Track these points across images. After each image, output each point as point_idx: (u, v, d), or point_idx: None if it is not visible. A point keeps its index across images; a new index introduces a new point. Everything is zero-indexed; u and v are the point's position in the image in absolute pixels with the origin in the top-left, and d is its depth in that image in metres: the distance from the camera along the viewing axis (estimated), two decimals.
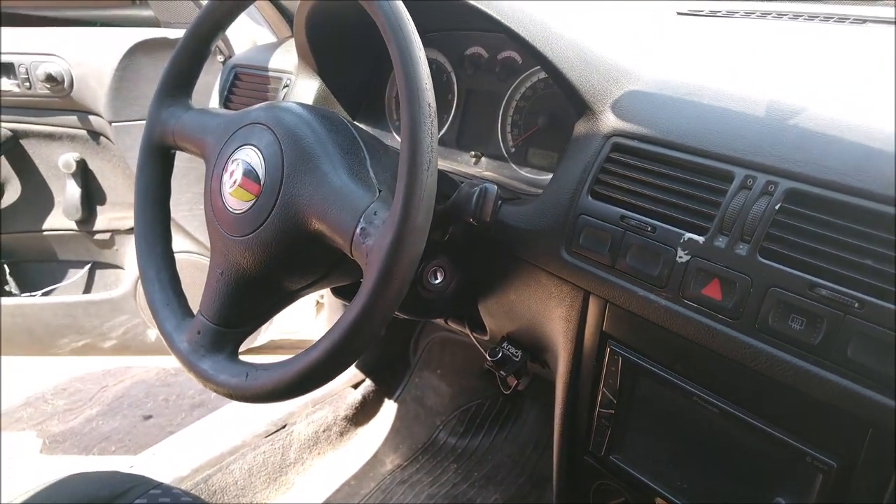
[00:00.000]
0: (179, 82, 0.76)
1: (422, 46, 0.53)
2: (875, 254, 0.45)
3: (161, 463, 1.18)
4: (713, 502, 0.57)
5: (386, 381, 1.46)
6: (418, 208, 0.51)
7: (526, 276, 0.71)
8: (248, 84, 1.04)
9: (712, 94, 0.60)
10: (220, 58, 1.21)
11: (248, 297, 0.67)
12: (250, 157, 0.64)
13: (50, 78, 1.22)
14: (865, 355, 0.45)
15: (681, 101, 0.61)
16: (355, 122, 0.74)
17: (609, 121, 0.64)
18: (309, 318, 1.54)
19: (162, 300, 0.72)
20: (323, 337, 0.57)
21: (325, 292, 1.45)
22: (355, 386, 1.43)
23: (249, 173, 0.63)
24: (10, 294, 1.40)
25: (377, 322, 0.54)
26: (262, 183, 0.62)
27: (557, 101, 0.78)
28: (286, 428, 1.32)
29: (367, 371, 1.45)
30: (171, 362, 1.96)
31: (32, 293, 1.40)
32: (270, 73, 1.00)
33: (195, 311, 0.70)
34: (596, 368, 0.65)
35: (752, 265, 0.51)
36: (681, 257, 0.55)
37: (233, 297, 0.66)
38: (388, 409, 1.45)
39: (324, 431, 1.36)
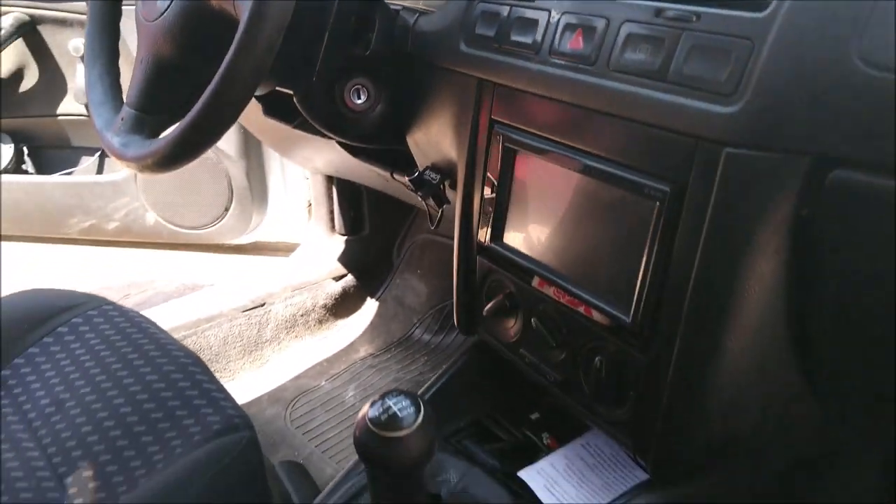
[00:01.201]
0: None
1: None
2: None
3: None
4: (585, 271, 0.58)
5: (368, 280, 1.50)
6: None
7: (437, 85, 0.74)
8: None
9: None
10: None
11: (165, 84, 0.71)
12: None
13: None
14: (698, 66, 0.46)
15: None
16: None
17: None
18: (301, 222, 1.59)
19: (100, 99, 0.78)
20: (207, 93, 0.61)
21: (312, 194, 1.50)
22: (337, 278, 1.48)
23: None
24: (25, 173, 1.50)
25: (242, 82, 0.57)
26: None
27: None
28: (265, 306, 1.38)
29: (350, 267, 1.49)
30: (191, 278, 2.06)
31: (49, 174, 1.50)
32: None
33: None
34: (483, 158, 0.67)
35: (611, 6, 0.52)
36: (553, 17, 0.57)
37: (151, 83, 0.71)
38: (368, 305, 1.49)
39: (301, 315, 1.41)
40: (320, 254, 1.50)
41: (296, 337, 1.41)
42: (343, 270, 1.49)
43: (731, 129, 0.44)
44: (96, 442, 0.72)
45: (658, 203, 0.49)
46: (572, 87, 0.55)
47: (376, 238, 1.52)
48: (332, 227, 1.50)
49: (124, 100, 0.76)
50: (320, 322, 1.44)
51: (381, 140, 0.87)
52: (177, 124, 0.63)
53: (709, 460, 0.56)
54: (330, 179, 1.45)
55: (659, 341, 0.52)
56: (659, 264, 0.50)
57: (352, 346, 1.41)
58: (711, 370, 0.51)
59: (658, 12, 0.49)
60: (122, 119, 0.73)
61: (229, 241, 1.57)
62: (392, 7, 0.78)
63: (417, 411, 0.48)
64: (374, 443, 0.47)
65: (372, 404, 0.49)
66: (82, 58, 1.40)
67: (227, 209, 1.49)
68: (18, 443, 0.76)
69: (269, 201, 1.54)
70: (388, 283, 1.52)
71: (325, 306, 1.45)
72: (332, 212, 1.49)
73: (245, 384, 1.32)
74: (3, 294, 0.95)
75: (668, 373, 0.52)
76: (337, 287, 1.47)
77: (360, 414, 0.49)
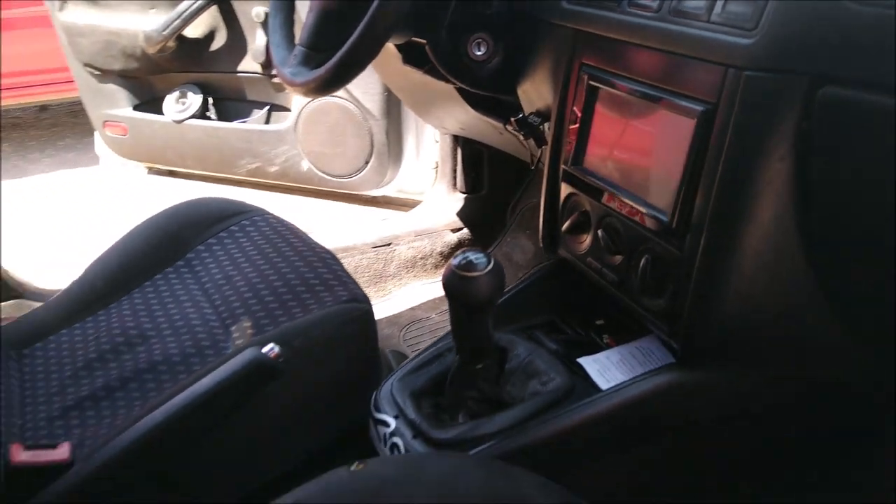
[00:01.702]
0: None
1: None
2: None
3: None
4: (641, 183, 0.71)
5: (482, 235, 1.67)
6: None
7: (544, 38, 0.89)
8: None
9: None
10: None
11: (328, 28, 0.91)
12: None
13: None
14: (732, 9, 0.58)
15: None
16: None
17: None
18: (428, 180, 1.78)
19: (279, 42, 0.99)
20: (356, 34, 0.79)
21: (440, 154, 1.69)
22: (454, 230, 1.66)
23: None
24: (209, 119, 1.80)
25: (381, 27, 0.75)
26: None
27: None
28: (391, 246, 1.58)
29: (466, 222, 1.67)
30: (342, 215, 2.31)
31: (227, 122, 1.80)
32: None
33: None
34: (571, 96, 0.81)
35: None
36: None
37: (318, 27, 0.92)
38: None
39: (420, 258, 1.61)
40: (442, 207, 1.69)
41: (414, 276, 1.61)
42: (460, 224, 1.67)
43: (750, 56, 0.56)
44: (254, 303, 0.94)
45: (695, 120, 0.62)
46: (641, 31, 0.68)
47: (493, 198, 1.68)
48: (455, 185, 1.68)
49: (296, 42, 0.98)
50: (436, 266, 1.63)
51: (495, 88, 1.02)
52: (340, 53, 0.82)
53: (726, 350, 0.68)
54: (456, 141, 1.63)
55: (690, 239, 0.65)
56: (693, 171, 0.63)
57: None
58: (730, 265, 0.63)
59: None
60: (294, 55, 0.94)
61: (366, 192, 1.79)
62: None
63: (489, 261, 0.64)
64: (455, 280, 0.64)
65: (455, 256, 0.66)
66: (262, 24, 1.66)
67: (367, 162, 1.71)
68: (197, 303, 1.00)
69: (403, 159, 1.74)
70: (499, 240, 1.68)
71: (441, 253, 1.63)
72: (455, 171, 1.67)
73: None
74: None
75: (695, 266, 0.64)
76: (453, 238, 1.65)
77: (447, 263, 0.66)
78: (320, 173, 1.76)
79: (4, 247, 2.16)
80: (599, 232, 0.79)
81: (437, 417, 0.74)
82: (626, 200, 0.73)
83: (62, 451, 0.69)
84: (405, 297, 1.55)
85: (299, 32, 0.96)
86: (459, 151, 1.65)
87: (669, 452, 0.73)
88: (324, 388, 0.81)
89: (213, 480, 0.74)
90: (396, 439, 0.72)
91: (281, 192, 1.91)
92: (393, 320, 1.47)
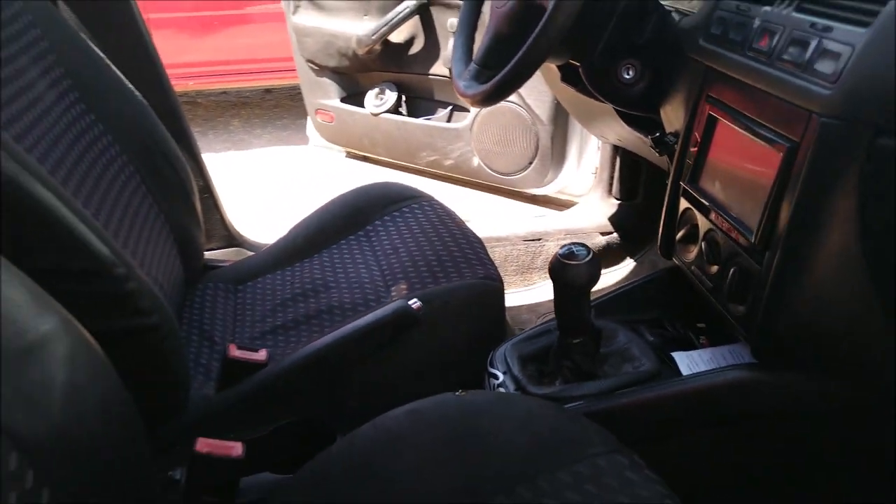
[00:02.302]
0: None
1: None
2: None
3: None
4: (738, 204, 0.82)
5: (631, 241, 1.77)
6: None
7: (683, 68, 1.00)
8: None
9: None
10: None
11: (498, 49, 1.09)
12: None
13: None
14: (824, 62, 0.69)
15: None
16: None
17: None
18: (586, 184, 1.91)
19: (459, 56, 1.19)
20: (526, 44, 0.96)
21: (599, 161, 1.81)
22: (604, 234, 1.78)
23: None
24: (401, 114, 2.07)
25: (550, 36, 0.91)
26: None
27: None
28: (540, 241, 1.74)
29: (617, 227, 1.78)
30: (503, 208, 2.52)
31: (414, 117, 2.05)
32: None
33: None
34: (695, 123, 0.93)
35: (786, 18, 0.76)
36: (755, 23, 0.81)
37: (490, 48, 1.10)
38: (626, 262, 1.76)
39: None
40: (596, 211, 1.81)
41: None
42: (611, 228, 1.78)
43: (826, 105, 0.66)
44: (410, 270, 1.15)
45: (781, 154, 0.72)
46: (754, 73, 0.79)
47: (646, 207, 1.77)
48: (610, 191, 1.80)
49: (472, 58, 1.17)
50: None
51: (640, 108, 1.15)
52: (506, 69, 0.99)
53: (794, 355, 0.77)
54: (615, 151, 1.75)
55: (769, 256, 0.75)
56: (775, 198, 0.73)
57: (603, 290, 1.70)
58: (800, 281, 0.73)
59: (811, 24, 0.71)
60: (469, 70, 1.13)
61: (528, 190, 1.96)
62: (666, 7, 1.06)
63: (588, 253, 0.79)
64: (558, 266, 0.80)
65: (562, 247, 0.81)
66: (454, 33, 1.89)
67: (530, 163, 1.88)
68: (369, 265, 1.23)
69: (566, 163, 1.89)
70: (648, 248, 1.77)
71: None
72: (612, 178, 1.78)
73: (513, 296, 1.70)
74: None
75: (769, 279, 0.74)
76: (602, 240, 1.77)
77: (554, 253, 0.82)
78: (488, 169, 1.96)
79: (229, 205, 2.62)
80: (703, 244, 0.90)
81: (538, 379, 0.90)
82: (725, 218, 0.83)
83: (261, 355, 0.95)
84: (547, 289, 1.70)
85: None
86: (618, 160, 1.77)
87: (735, 438, 0.83)
88: (453, 344, 1.00)
89: (360, 400, 0.96)
90: (501, 390, 0.89)
91: (453, 182, 2.14)
92: (532, 308, 1.63)
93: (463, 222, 1.31)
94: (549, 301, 1.67)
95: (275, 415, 0.84)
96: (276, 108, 4.15)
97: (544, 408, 0.73)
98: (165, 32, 3.35)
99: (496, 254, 1.71)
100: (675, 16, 1.05)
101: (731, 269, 0.82)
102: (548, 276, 1.73)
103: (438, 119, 2.04)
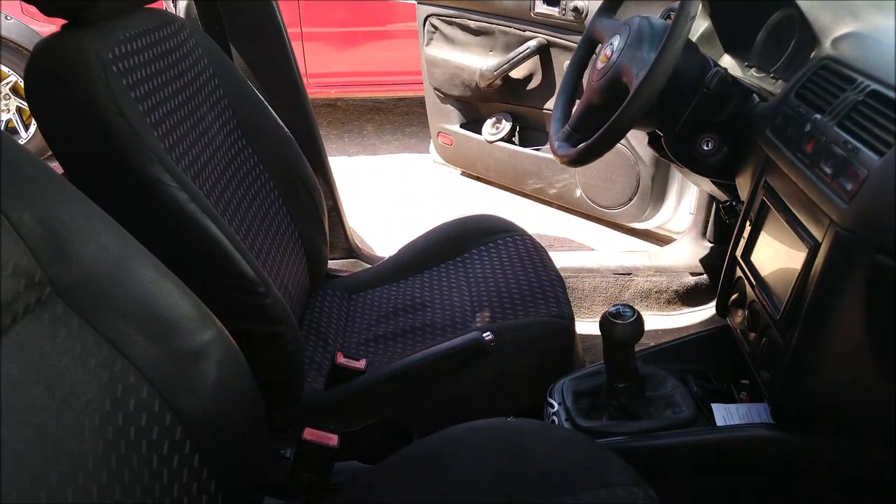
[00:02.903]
0: (611, 4, 1.34)
1: None
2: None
3: None
4: (772, 281, 0.93)
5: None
6: (664, 58, 0.99)
7: (753, 149, 1.11)
8: None
9: None
10: None
11: (589, 117, 1.24)
12: (615, 41, 1.20)
13: (576, 10, 1.94)
14: (846, 180, 0.79)
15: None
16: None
17: (824, 50, 0.99)
18: (682, 224, 1.99)
19: (557, 116, 1.35)
20: (611, 119, 1.10)
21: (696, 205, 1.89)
22: (693, 274, 1.86)
23: (611, 49, 1.19)
24: (513, 143, 2.24)
25: (633, 111, 1.04)
26: (613, 52, 1.18)
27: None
28: (630, 275, 1.86)
29: (707, 269, 1.85)
30: (602, 236, 2.65)
31: (525, 147, 2.22)
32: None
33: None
34: (753, 204, 1.04)
35: (830, 130, 0.86)
36: (807, 127, 0.92)
37: (582, 115, 1.25)
38: (711, 304, 1.84)
39: (655, 292, 1.85)
40: (688, 251, 1.90)
41: (646, 307, 1.86)
42: (700, 270, 1.86)
43: (842, 217, 0.77)
44: (495, 300, 1.32)
45: (807, 249, 0.83)
46: (801, 174, 0.89)
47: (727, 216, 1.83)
48: (704, 234, 1.88)
49: (568, 119, 1.32)
50: (668, 303, 1.86)
51: (718, 176, 1.25)
52: (592, 138, 1.14)
53: (806, 419, 0.87)
54: (712, 196, 1.82)
55: (790, 332, 0.86)
56: (800, 285, 0.84)
57: (684, 330, 1.80)
58: (814, 357, 0.83)
59: (845, 141, 0.81)
60: (563, 131, 1.29)
61: (626, 223, 2.07)
62: (750, 87, 1.16)
63: (633, 314, 0.93)
64: (606, 322, 0.94)
65: (613, 306, 0.96)
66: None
67: (630, 199, 1.99)
68: (461, 291, 1.41)
69: (665, 202, 1.98)
70: None
71: (676, 291, 1.86)
72: (707, 221, 1.86)
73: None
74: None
75: (789, 353, 0.86)
76: (690, 281, 1.86)
77: (604, 311, 0.96)
78: (589, 201, 2.09)
79: (352, 212, 2.90)
80: (747, 312, 1.01)
81: (587, 413, 1.05)
82: (763, 293, 0.95)
83: (361, 364, 1.16)
84: None
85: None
86: (714, 205, 1.84)
87: (751, 489, 0.94)
88: (518, 372, 1.16)
89: (436, 410, 1.15)
90: (554, 418, 1.05)
91: (556, 208, 2.29)
92: None
93: (549, 258, 1.46)
94: None
95: (366, 414, 1.05)
96: (408, 115, 4.44)
97: (579, 439, 0.88)
98: (314, 45, 3.71)
99: (586, 283, 1.85)
100: (756, 97, 1.15)
101: (763, 339, 0.93)
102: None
103: (546, 150, 2.19)
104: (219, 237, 0.94)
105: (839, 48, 0.96)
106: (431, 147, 2.55)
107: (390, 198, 3.29)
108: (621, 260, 1.90)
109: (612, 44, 1.20)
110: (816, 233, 0.82)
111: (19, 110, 3.61)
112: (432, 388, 1.12)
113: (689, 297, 1.87)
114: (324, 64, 3.78)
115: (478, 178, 2.47)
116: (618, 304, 0.96)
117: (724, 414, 1.03)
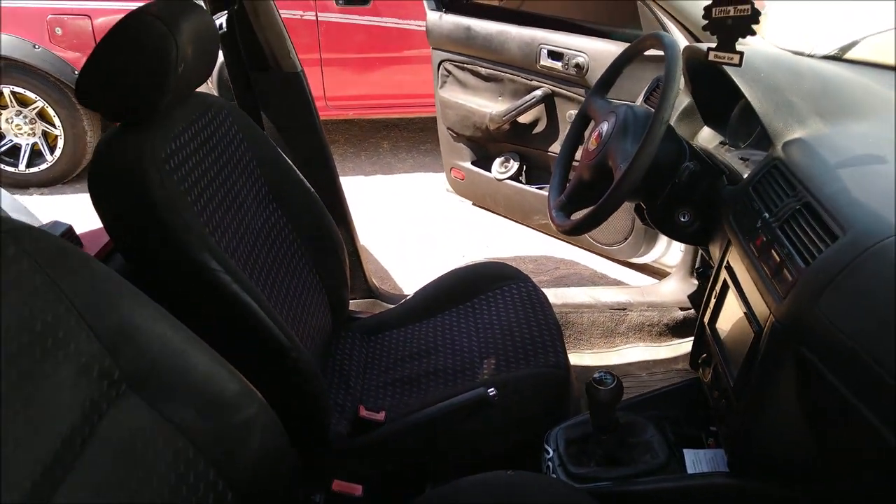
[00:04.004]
0: (604, 84, 1.51)
1: (677, 82, 1.16)
2: None
3: None
4: (728, 349, 1.11)
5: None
6: (642, 155, 1.16)
7: (720, 228, 1.28)
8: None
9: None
10: None
11: (580, 192, 1.41)
12: (604, 127, 1.37)
13: (577, 66, 2.10)
14: (779, 281, 0.97)
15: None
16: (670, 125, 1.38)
17: (777, 152, 1.15)
18: (673, 261, 2.16)
19: (554, 185, 1.52)
20: (596, 204, 1.27)
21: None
22: (683, 309, 2.03)
23: (600, 134, 1.36)
24: (520, 182, 2.42)
25: (616, 199, 1.21)
26: (602, 138, 1.35)
27: None
28: (625, 310, 2.03)
29: (695, 304, 2.01)
30: (602, 267, 2.82)
31: (531, 185, 2.39)
32: None
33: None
34: (718, 278, 1.21)
35: (773, 232, 1.03)
36: (758, 223, 1.09)
37: (574, 190, 1.42)
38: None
39: (648, 325, 2.02)
40: (678, 287, 2.07)
41: (640, 339, 2.03)
42: (689, 305, 2.03)
43: (777, 312, 0.94)
44: (499, 348, 1.49)
45: (754, 333, 1.00)
46: (750, 263, 1.06)
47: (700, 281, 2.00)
48: (692, 272, 2.05)
49: (563, 189, 1.50)
50: (660, 335, 2.03)
51: (693, 243, 1.43)
52: (582, 215, 1.31)
53: (749, 468, 1.05)
54: None
55: (741, 399, 1.03)
56: (748, 360, 1.01)
57: (673, 360, 1.97)
58: (758, 418, 1.00)
59: (783, 246, 0.98)
60: (559, 200, 1.46)
61: (623, 259, 2.24)
62: (719, 170, 1.33)
63: (614, 380, 1.11)
64: (591, 388, 1.12)
65: (597, 373, 1.13)
66: (570, 122, 2.20)
67: (626, 238, 2.16)
68: (469, 337, 1.59)
69: (657, 243, 2.15)
70: None
71: (666, 325, 2.03)
72: (695, 260, 2.03)
73: (596, 356, 2.01)
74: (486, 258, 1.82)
75: (738, 414, 1.03)
76: (679, 315, 2.03)
77: (592, 376, 1.14)
78: (589, 238, 2.26)
79: (369, 239, 3.10)
80: (711, 372, 1.18)
81: (578, 458, 1.23)
82: (723, 360, 1.12)
83: (380, 416, 1.34)
84: (627, 354, 1.99)
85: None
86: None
87: None
88: (520, 420, 1.34)
89: (450, 454, 1.33)
90: (549, 463, 1.23)
91: (561, 240, 2.46)
92: (610, 370, 1.92)
93: (549, 305, 1.63)
94: (626, 364, 1.98)
95: (387, 461, 1.24)
96: (422, 131, 4.61)
97: (570, 491, 1.06)
98: (333, 69, 3.89)
99: (585, 319, 2.02)
100: (725, 179, 1.32)
101: (723, 399, 1.11)
102: (628, 342, 2.03)
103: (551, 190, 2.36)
104: (258, 313, 1.11)
105: (787, 152, 1.13)
106: (444, 179, 2.73)
107: (406, 224, 3.44)
108: (616, 296, 2.07)
109: (602, 128, 1.37)
110: (761, 319, 1.00)
111: (45, 134, 3.81)
112: (444, 436, 1.30)
113: (678, 329, 2.04)
114: (342, 87, 3.96)
115: (487, 208, 2.65)
116: (601, 372, 1.14)
117: (694, 459, 1.20)
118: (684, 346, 2.02)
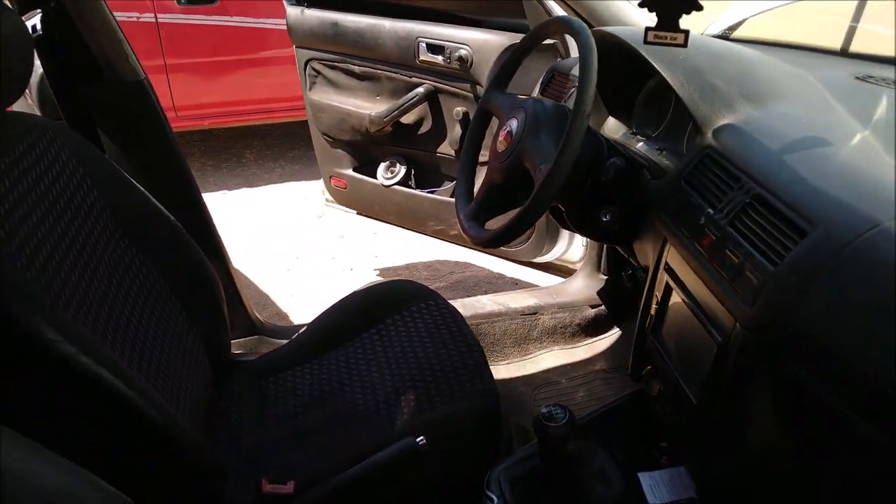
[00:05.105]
0: (502, 77, 1.37)
1: (595, 69, 1.03)
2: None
3: None
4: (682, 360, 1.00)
5: (616, 313, 1.94)
6: (567, 154, 1.02)
7: (651, 225, 1.17)
8: (557, 82, 1.61)
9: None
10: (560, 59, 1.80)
11: (493, 196, 1.26)
12: (513, 124, 1.22)
13: (461, 59, 1.96)
14: (746, 288, 0.86)
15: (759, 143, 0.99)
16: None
17: (707, 140, 1.06)
18: (579, 254, 2.08)
19: (461, 193, 1.36)
20: (516, 213, 1.13)
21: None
22: (593, 307, 1.95)
23: (510, 133, 1.22)
24: (410, 187, 2.25)
25: (541, 205, 1.07)
26: (512, 137, 1.20)
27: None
28: (536, 315, 1.92)
29: (605, 300, 1.95)
30: (498, 266, 2.72)
31: (422, 190, 2.23)
32: (571, 77, 1.56)
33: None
34: (657, 282, 1.10)
35: (723, 229, 0.92)
36: (701, 220, 0.98)
37: (486, 194, 1.27)
38: (612, 332, 1.94)
39: (561, 327, 1.93)
40: (585, 285, 1.99)
41: (553, 342, 1.93)
42: (599, 302, 1.96)
43: (745, 318, 0.83)
44: (417, 380, 1.32)
45: (717, 345, 0.90)
46: (700, 264, 0.96)
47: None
48: (599, 267, 1.98)
49: (472, 196, 1.34)
50: (573, 336, 1.94)
51: (617, 243, 1.33)
52: (502, 225, 1.16)
53: (719, 491, 0.95)
54: None
55: (709, 422, 0.93)
56: (713, 375, 0.90)
57: (590, 360, 1.89)
58: (726, 438, 0.90)
59: (738, 244, 0.88)
60: (470, 208, 1.31)
61: (526, 259, 2.14)
62: (639, 164, 1.23)
63: (566, 415, 0.97)
64: (541, 424, 0.98)
65: (545, 407, 0.99)
66: (459, 120, 2.06)
67: (528, 238, 2.05)
68: (381, 369, 1.39)
69: (559, 238, 2.06)
70: (633, 318, 1.94)
71: (579, 325, 1.94)
72: (600, 256, 1.96)
73: (511, 367, 1.89)
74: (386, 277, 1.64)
75: (708, 435, 0.92)
76: (591, 313, 1.95)
77: (539, 410, 1.00)
78: None
79: (243, 264, 2.80)
80: (662, 387, 1.08)
81: (525, 501, 1.08)
82: (677, 376, 1.01)
83: (289, 487, 1.11)
84: (542, 360, 1.88)
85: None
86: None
87: None
88: (453, 467, 1.18)
89: None
90: None
91: (461, 245, 2.32)
92: (528, 380, 1.81)
93: (465, 322, 1.47)
94: (543, 372, 1.87)
95: None
96: (288, 137, 4.32)
97: None
98: (181, 76, 3.53)
99: (496, 328, 1.89)
100: (646, 172, 1.21)
101: (683, 418, 1.00)
102: (542, 347, 1.92)
103: (444, 192, 2.21)
104: (120, 389, 0.87)
105: (720, 140, 1.04)
106: (321, 188, 2.50)
107: (283, 241, 3.17)
108: (526, 300, 1.96)
109: (510, 126, 1.22)
110: (724, 329, 0.89)
111: None
112: (372, 501, 1.11)
113: (591, 328, 1.96)
114: (193, 95, 3.61)
115: (377, 219, 2.46)
116: (549, 406, 1.00)
117: (651, 484, 1.09)
118: (598, 344, 1.94)
